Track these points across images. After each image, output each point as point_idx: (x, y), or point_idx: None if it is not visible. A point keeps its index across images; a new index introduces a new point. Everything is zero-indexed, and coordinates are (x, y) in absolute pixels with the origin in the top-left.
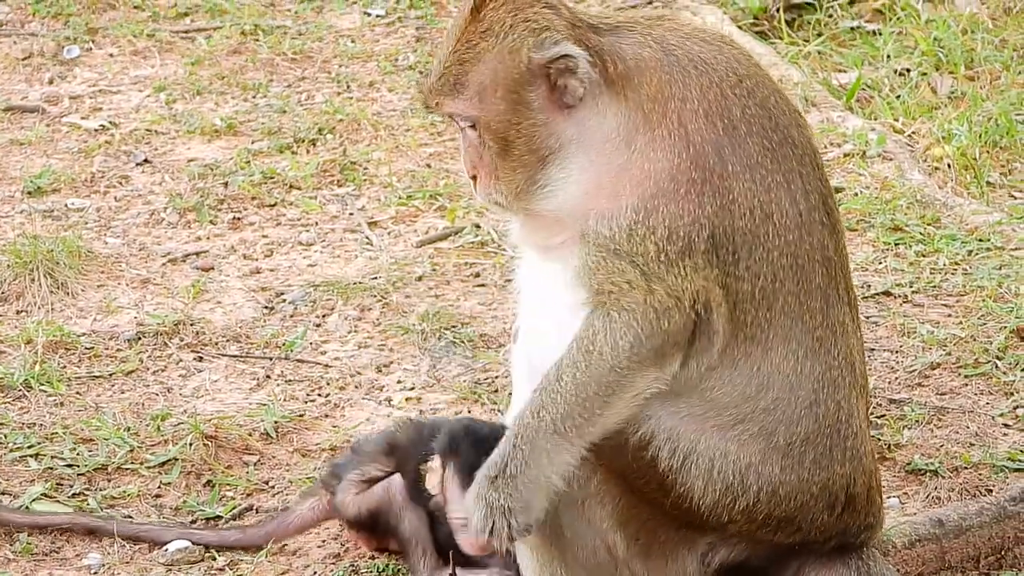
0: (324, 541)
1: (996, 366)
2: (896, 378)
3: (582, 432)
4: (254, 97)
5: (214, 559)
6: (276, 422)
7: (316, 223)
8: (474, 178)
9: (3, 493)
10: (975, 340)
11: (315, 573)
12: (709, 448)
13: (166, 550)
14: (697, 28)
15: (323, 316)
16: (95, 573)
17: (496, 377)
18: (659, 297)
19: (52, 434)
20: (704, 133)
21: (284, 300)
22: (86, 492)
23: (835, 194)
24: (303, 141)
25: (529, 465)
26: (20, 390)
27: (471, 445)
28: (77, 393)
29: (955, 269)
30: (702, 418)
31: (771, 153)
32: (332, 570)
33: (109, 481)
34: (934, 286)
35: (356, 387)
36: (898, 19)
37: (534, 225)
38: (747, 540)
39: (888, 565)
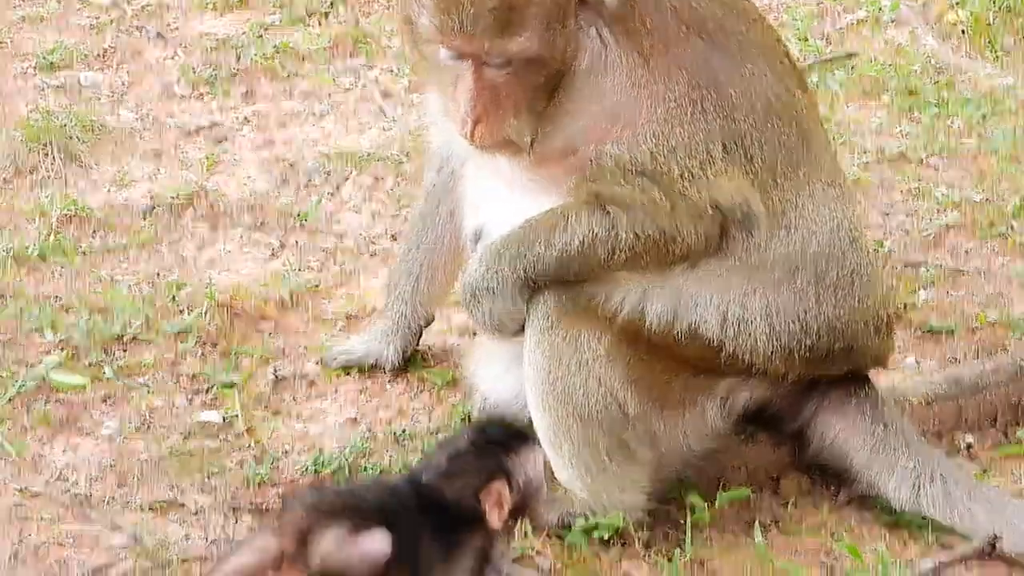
0: (340, 407)
1: (1011, 227)
2: (911, 240)
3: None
4: None
5: (232, 426)
6: (291, 291)
7: (329, 95)
8: (477, 122)
9: (20, 363)
10: (990, 202)
11: (331, 437)
12: (767, 304)
13: (184, 419)
14: None
15: (337, 186)
16: (111, 439)
17: None
18: (679, 215)
19: (68, 305)
20: (690, 54)
21: (297, 171)
22: (102, 362)
23: (848, 59)
24: (315, 14)
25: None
26: (36, 262)
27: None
28: (92, 265)
29: (970, 132)
30: (755, 283)
31: (747, 48)
32: (348, 434)
33: (125, 351)
34: (949, 149)
35: (371, 255)
36: None
37: (536, 154)
38: (777, 380)
39: (897, 412)
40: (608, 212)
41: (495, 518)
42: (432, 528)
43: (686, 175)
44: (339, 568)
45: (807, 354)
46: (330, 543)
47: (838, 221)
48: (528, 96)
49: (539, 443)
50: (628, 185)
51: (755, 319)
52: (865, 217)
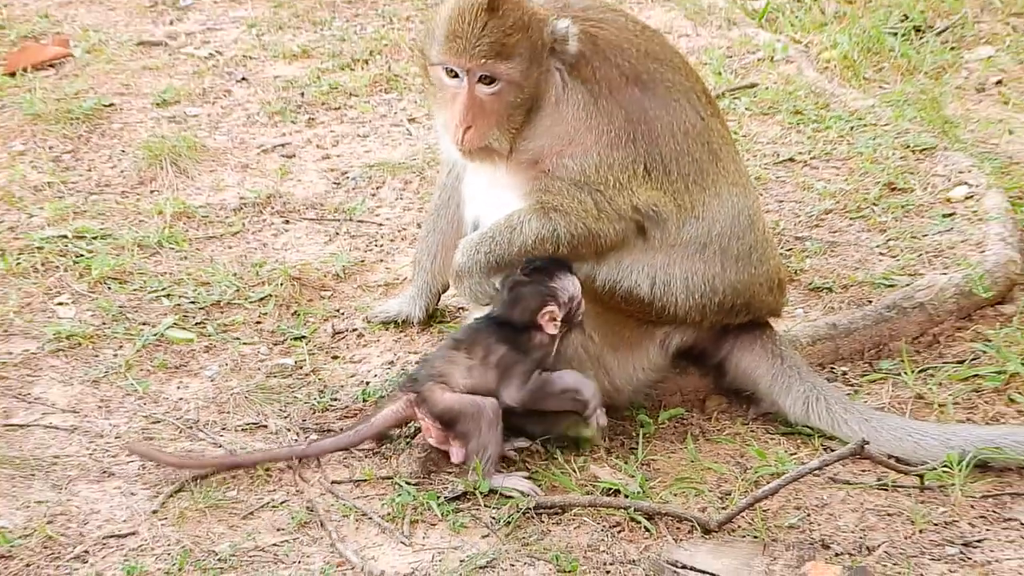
0: (381, 352)
1: (873, 210)
2: (799, 221)
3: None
4: (322, 30)
5: (301, 368)
6: (343, 266)
7: (370, 121)
8: (466, 129)
9: (144, 324)
10: (857, 192)
11: (375, 375)
12: (683, 272)
13: (266, 363)
14: (604, 16)
15: (377, 188)
16: (212, 379)
17: None
18: (603, 219)
19: (179, 280)
20: (627, 97)
21: (347, 177)
22: (205, 321)
23: (751, 88)
24: (358, 61)
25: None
26: (155, 248)
27: (551, 272)
28: (197, 249)
29: (841, 140)
30: (674, 257)
31: (672, 91)
32: (387, 371)
33: (222, 313)
34: (826, 153)
35: (402, 239)
36: None
37: (511, 161)
38: (698, 327)
39: (791, 349)
40: (551, 217)
41: (551, 329)
42: (506, 343)
43: (616, 185)
44: (453, 413)
45: (716, 308)
46: (438, 394)
47: (738, 211)
48: (507, 113)
49: (572, 269)
50: (567, 196)
51: (675, 282)
52: (764, 205)
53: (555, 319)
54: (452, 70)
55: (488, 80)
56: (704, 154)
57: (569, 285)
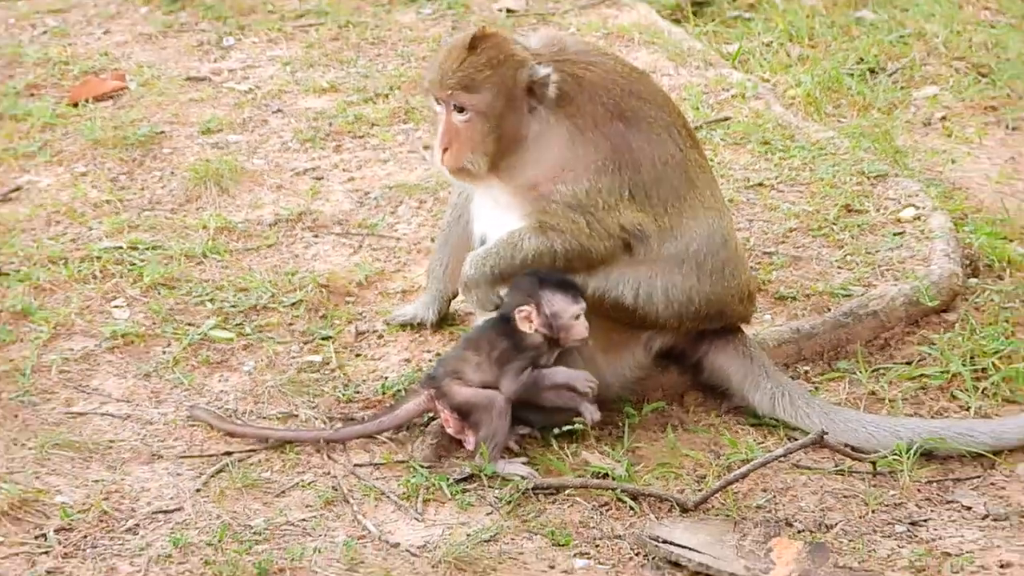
0: (398, 351)
1: (832, 229)
2: (767, 238)
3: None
4: (347, 68)
5: (328, 364)
6: (366, 275)
7: (389, 148)
8: (444, 151)
9: (190, 324)
10: (818, 212)
11: (393, 371)
12: (663, 284)
13: (297, 359)
14: (593, 59)
15: (395, 207)
16: (249, 373)
17: None
18: (594, 236)
19: (220, 286)
20: (612, 130)
21: (370, 197)
22: (243, 323)
23: (725, 121)
24: (380, 95)
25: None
26: (200, 258)
27: (546, 283)
28: (236, 259)
29: (804, 167)
30: (655, 270)
31: (653, 124)
32: (404, 367)
33: (258, 315)
34: (791, 178)
35: (418, 252)
36: (765, 9)
37: (511, 186)
38: (677, 331)
39: (760, 350)
40: (548, 235)
41: (524, 327)
42: (507, 339)
43: (605, 208)
44: (469, 405)
45: (692, 316)
46: (455, 389)
47: (713, 230)
48: (479, 139)
49: (577, 295)
50: (562, 216)
51: (656, 293)
52: (737, 224)
53: (529, 320)
54: (436, 98)
55: (460, 109)
56: (682, 181)
57: (559, 303)
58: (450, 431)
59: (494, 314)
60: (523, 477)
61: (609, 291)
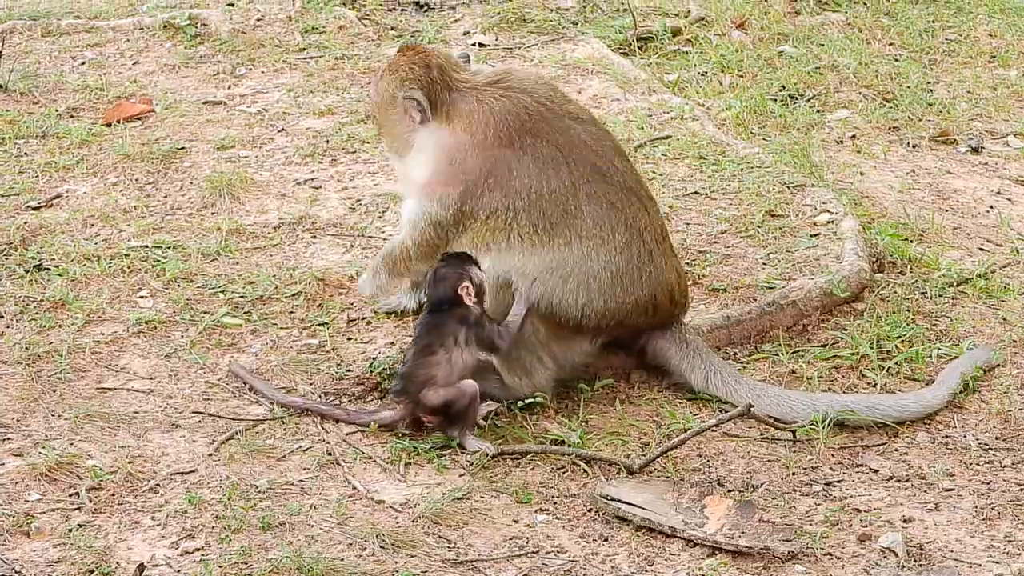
0: (384, 335)
1: (758, 231)
2: (701, 239)
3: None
4: (342, 93)
5: (324, 347)
6: (357, 270)
7: (378, 162)
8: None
9: (205, 312)
10: (745, 217)
11: (379, 351)
12: (556, 295)
13: (297, 343)
14: (512, 93)
15: (383, 212)
16: (256, 354)
17: None
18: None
19: (231, 280)
20: (493, 153)
21: (361, 203)
22: (251, 311)
23: (666, 139)
24: (371, 116)
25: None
26: (214, 256)
27: (464, 259)
28: (245, 257)
29: (734, 179)
30: (550, 276)
31: (541, 158)
32: (389, 351)
33: (264, 304)
34: (722, 188)
35: None
36: (700, 44)
37: (403, 184)
38: (608, 332)
39: (696, 335)
40: (405, 232)
41: (468, 300)
42: (461, 323)
43: (460, 226)
44: (445, 405)
45: (630, 314)
46: (431, 395)
47: (588, 255)
48: (382, 135)
49: (475, 260)
50: (422, 218)
51: (560, 299)
52: (675, 227)
53: (470, 293)
54: None
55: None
56: (557, 212)
57: (472, 269)
58: (432, 427)
59: (426, 316)
60: (487, 454)
61: (544, 297)
